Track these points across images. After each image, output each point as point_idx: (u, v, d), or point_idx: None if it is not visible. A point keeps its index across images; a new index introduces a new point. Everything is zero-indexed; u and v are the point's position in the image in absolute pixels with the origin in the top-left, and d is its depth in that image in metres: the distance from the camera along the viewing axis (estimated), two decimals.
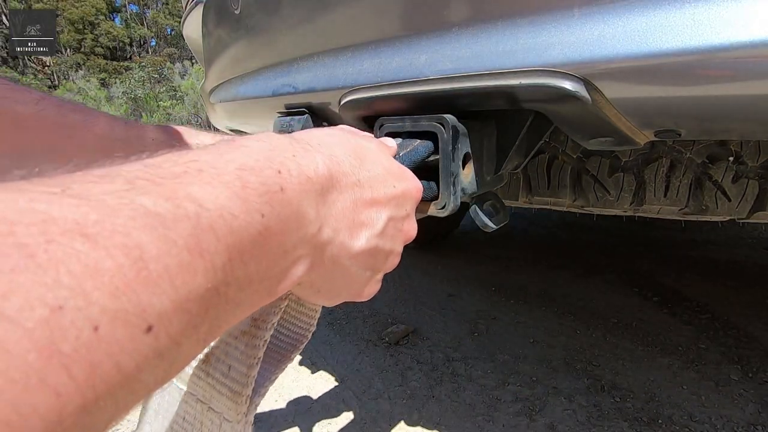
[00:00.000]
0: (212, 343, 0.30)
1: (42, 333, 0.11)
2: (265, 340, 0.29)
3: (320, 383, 1.14)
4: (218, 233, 0.17)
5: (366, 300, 0.33)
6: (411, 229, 0.33)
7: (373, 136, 0.35)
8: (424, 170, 0.42)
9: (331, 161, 0.26)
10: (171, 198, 0.16)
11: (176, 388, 0.32)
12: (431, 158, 0.43)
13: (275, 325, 0.30)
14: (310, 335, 0.35)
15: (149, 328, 0.14)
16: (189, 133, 0.50)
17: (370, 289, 0.32)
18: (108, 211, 0.14)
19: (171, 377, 0.16)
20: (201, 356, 0.31)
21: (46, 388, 0.11)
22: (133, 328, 0.13)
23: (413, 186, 0.33)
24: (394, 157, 0.38)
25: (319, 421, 1.00)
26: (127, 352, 0.13)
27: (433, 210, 0.43)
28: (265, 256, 0.20)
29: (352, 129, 0.35)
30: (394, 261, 0.33)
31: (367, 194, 0.28)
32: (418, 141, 0.43)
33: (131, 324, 0.13)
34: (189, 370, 0.31)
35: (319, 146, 0.26)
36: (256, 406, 0.30)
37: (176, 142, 0.47)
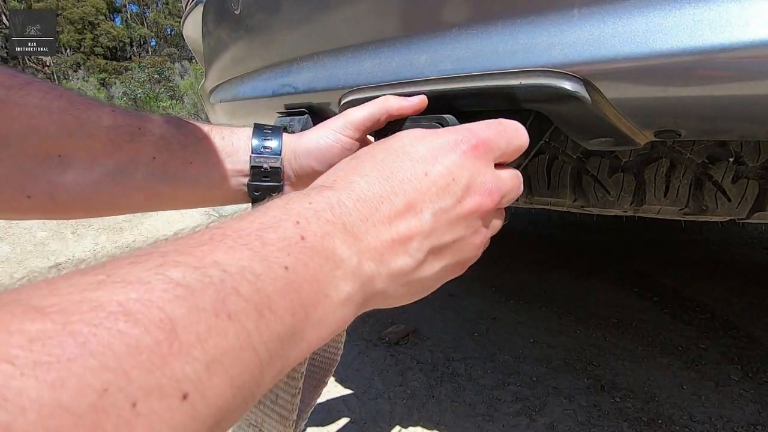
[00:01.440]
0: None
1: (89, 417, 0.12)
2: (302, 373, 0.32)
3: None
4: (243, 294, 0.18)
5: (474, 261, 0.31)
6: (474, 206, 0.28)
7: (409, 131, 0.32)
8: None
9: (349, 195, 0.25)
10: (198, 267, 0.17)
11: None
12: None
13: (308, 359, 0.33)
14: (338, 358, 0.38)
15: (185, 396, 0.15)
16: (217, 133, 0.47)
17: (459, 270, 0.30)
18: (145, 288, 0.15)
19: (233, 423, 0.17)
20: None
21: None
22: (170, 399, 0.14)
23: (455, 156, 0.28)
24: None
25: (319, 420, 1.00)
26: (165, 422, 0.14)
27: None
28: (301, 304, 0.20)
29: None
30: (475, 240, 0.29)
31: (397, 205, 0.26)
32: None
33: (167, 395, 0.14)
34: None
35: (335, 182, 0.26)
36: (300, 428, 0.34)
37: (188, 140, 0.45)
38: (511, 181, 0.32)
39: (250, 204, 0.48)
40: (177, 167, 0.44)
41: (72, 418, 0.12)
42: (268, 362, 0.18)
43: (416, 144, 0.29)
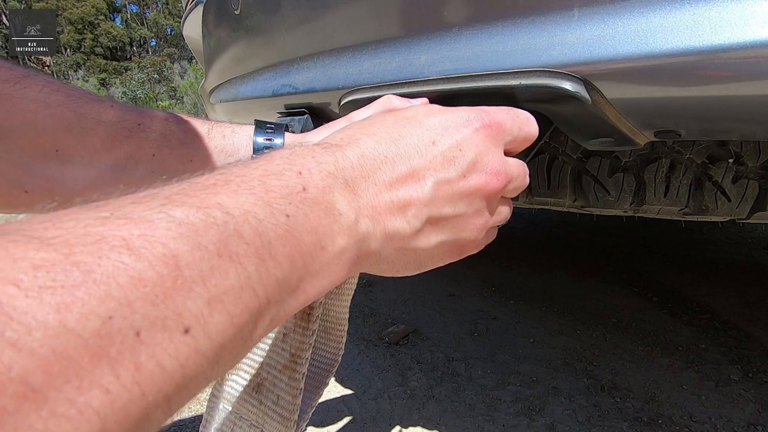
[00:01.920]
0: (263, 375, 0.34)
1: (94, 341, 0.13)
2: (303, 373, 0.32)
3: None
4: (245, 237, 0.18)
5: (475, 251, 0.30)
6: (477, 184, 0.28)
7: (425, 104, 0.32)
8: None
9: (353, 151, 0.25)
10: (202, 207, 0.18)
11: (226, 413, 0.36)
12: None
13: (309, 359, 0.33)
14: (339, 359, 0.38)
15: (186, 330, 0.15)
16: (218, 131, 0.46)
17: (460, 253, 0.30)
18: (148, 225, 0.16)
19: (221, 373, 0.18)
20: (253, 387, 0.35)
21: (97, 387, 0.13)
22: (172, 332, 0.15)
23: (467, 131, 0.28)
24: None
25: (319, 420, 1.00)
26: (168, 353, 0.15)
27: None
28: (300, 252, 0.20)
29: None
30: (477, 221, 0.29)
31: (400, 169, 0.26)
32: None
33: (170, 328, 0.15)
34: (243, 397, 0.36)
35: (341, 140, 0.26)
36: (301, 429, 0.34)
37: (188, 138, 0.44)
38: (518, 168, 0.31)
39: None
40: (176, 165, 0.44)
41: (78, 340, 0.13)
42: (266, 306, 0.19)
43: (429, 115, 0.29)
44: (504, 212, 0.32)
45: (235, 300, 0.17)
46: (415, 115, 0.29)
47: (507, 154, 0.32)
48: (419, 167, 0.26)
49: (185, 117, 0.47)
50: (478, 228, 0.30)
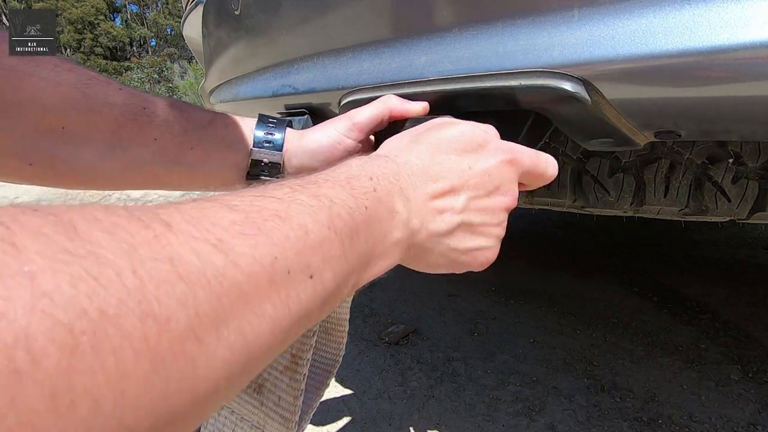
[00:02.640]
0: (264, 376, 0.36)
1: (268, 270, 0.19)
2: (304, 374, 0.34)
3: None
4: (344, 218, 0.25)
5: (482, 269, 0.37)
6: (500, 203, 0.36)
7: (462, 121, 0.37)
8: None
9: (407, 168, 0.32)
10: (315, 195, 0.24)
11: (228, 415, 0.37)
12: None
13: (310, 360, 0.35)
14: (340, 359, 0.40)
15: (311, 276, 0.22)
16: (221, 122, 0.47)
17: (481, 258, 0.36)
18: (286, 204, 0.22)
19: (323, 316, 0.25)
20: (254, 388, 0.36)
21: (268, 301, 0.19)
22: (305, 275, 0.21)
23: (495, 162, 0.35)
24: None
25: (319, 420, 1.00)
26: (301, 289, 0.21)
27: None
28: (372, 236, 0.27)
29: (444, 121, 0.38)
30: (496, 231, 0.36)
31: (442, 185, 0.33)
32: None
33: (303, 272, 0.21)
34: (244, 399, 0.37)
35: (396, 156, 0.34)
36: (303, 430, 0.35)
37: (191, 126, 0.45)
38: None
39: None
40: (177, 151, 0.45)
41: (259, 269, 0.19)
42: (351, 272, 0.25)
43: (467, 140, 0.36)
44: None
45: (338, 261, 0.24)
46: (455, 137, 0.36)
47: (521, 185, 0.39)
48: (457, 186, 0.34)
49: (189, 105, 0.47)
50: (497, 236, 0.37)
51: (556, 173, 0.39)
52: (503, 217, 0.37)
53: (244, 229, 0.19)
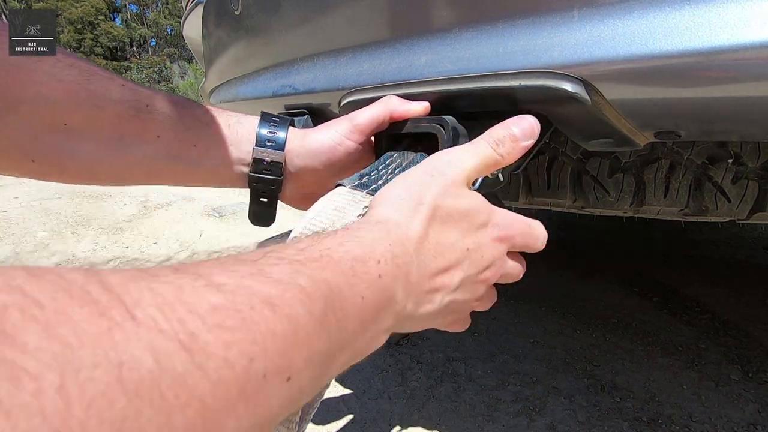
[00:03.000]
0: None
1: (234, 379, 0.16)
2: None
3: None
4: (335, 310, 0.23)
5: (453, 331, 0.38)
6: (488, 279, 0.36)
7: (471, 166, 0.36)
8: None
9: (412, 242, 0.31)
10: (314, 281, 0.22)
11: None
12: None
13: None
14: None
15: (289, 378, 0.19)
16: (224, 120, 0.47)
17: (456, 326, 0.37)
18: (282, 288, 0.20)
19: (291, 410, 0.21)
20: None
21: (233, 414, 0.16)
22: (282, 378, 0.19)
23: (489, 240, 0.35)
24: (396, 167, 0.41)
25: (319, 420, 1.00)
26: (274, 394, 0.18)
27: None
28: (361, 326, 0.25)
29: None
30: (477, 305, 0.37)
31: (441, 263, 0.32)
32: (413, 155, 0.44)
33: (281, 375, 0.19)
34: None
35: (407, 228, 0.31)
36: (303, 430, 0.35)
37: (193, 123, 0.45)
38: (514, 269, 0.38)
39: (249, 191, 0.49)
40: (180, 148, 0.45)
41: (230, 374, 0.16)
42: (332, 366, 0.24)
43: (472, 217, 0.35)
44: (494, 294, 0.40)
45: (320, 359, 0.21)
46: (465, 217, 0.35)
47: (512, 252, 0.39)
48: (453, 265, 0.33)
49: (192, 102, 0.47)
50: (477, 306, 0.38)
51: (544, 246, 0.39)
52: (484, 292, 0.37)
53: (225, 319, 0.17)
